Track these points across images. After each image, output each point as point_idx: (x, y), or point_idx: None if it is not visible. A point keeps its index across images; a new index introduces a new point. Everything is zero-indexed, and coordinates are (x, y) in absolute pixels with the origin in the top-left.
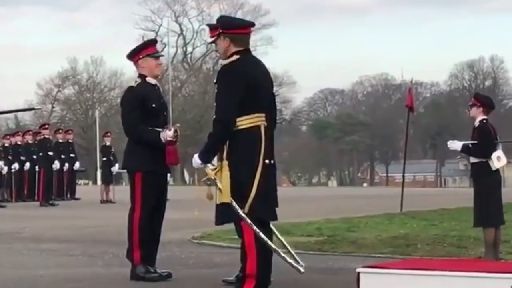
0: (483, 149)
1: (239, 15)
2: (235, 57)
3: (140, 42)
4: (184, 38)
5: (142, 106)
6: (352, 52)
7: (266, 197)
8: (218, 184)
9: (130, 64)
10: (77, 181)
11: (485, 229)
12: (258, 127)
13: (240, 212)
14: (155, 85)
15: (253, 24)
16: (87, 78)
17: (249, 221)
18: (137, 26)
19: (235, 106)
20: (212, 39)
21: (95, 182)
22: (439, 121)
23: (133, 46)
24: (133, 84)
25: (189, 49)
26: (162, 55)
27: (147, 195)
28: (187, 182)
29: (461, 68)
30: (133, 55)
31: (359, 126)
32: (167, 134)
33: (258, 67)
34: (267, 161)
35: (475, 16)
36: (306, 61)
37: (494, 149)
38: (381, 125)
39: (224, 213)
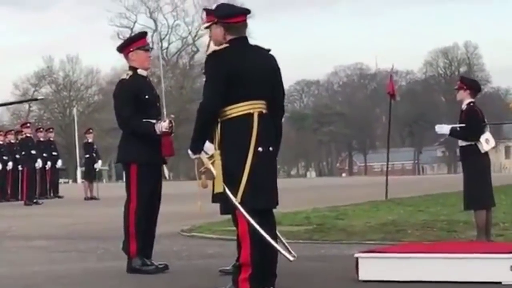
0: (472, 132)
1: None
2: (223, 46)
3: (116, 39)
4: (159, 34)
5: (136, 98)
6: (326, 43)
7: (259, 185)
8: (213, 173)
9: (106, 62)
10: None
11: (476, 212)
12: (250, 114)
13: (234, 201)
14: (146, 76)
15: (248, 11)
16: (63, 77)
17: (242, 209)
18: (111, 23)
19: (217, 95)
20: (207, 24)
21: (75, 180)
22: (415, 109)
23: (108, 43)
24: (125, 76)
25: (165, 44)
26: (152, 48)
27: (142, 187)
28: (167, 177)
29: (436, 55)
30: (124, 48)
31: (336, 117)
32: (162, 125)
33: (250, 54)
34: (260, 148)
35: (447, 2)
36: (281, 53)
37: (483, 132)
38: (358, 115)
39: (224, 203)
